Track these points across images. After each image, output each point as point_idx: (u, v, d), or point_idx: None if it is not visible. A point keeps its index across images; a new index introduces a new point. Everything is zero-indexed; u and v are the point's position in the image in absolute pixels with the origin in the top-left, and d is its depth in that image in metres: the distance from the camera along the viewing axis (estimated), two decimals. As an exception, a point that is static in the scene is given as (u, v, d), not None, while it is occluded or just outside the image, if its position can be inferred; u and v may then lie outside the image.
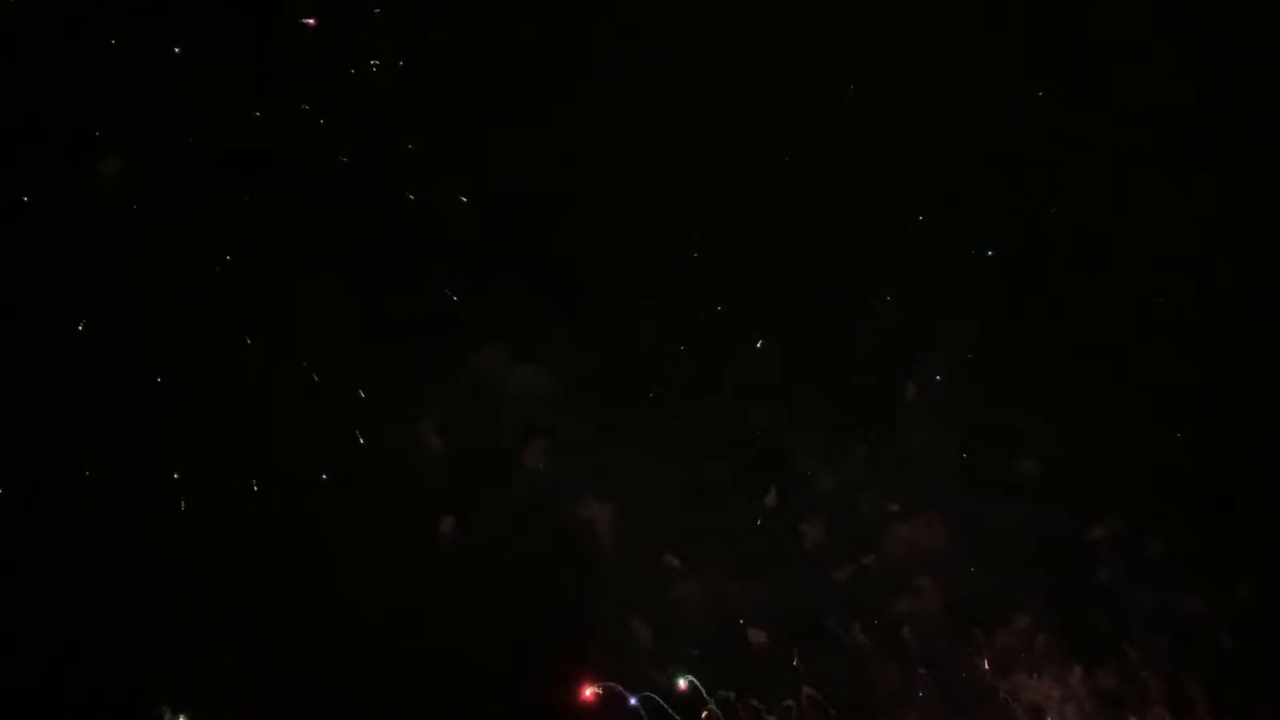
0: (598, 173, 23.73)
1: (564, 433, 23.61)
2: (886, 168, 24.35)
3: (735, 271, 24.27)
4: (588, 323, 23.55)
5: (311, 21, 21.88)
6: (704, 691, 22.86)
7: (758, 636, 23.59)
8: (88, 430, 21.17)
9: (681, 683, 22.82)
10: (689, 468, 24.01)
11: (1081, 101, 24.57)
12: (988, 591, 23.84)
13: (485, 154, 23.70)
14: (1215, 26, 23.80)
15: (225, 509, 21.68)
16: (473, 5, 23.70)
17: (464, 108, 23.55)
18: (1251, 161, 23.94)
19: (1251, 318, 23.88)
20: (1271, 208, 23.92)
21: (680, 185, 24.13)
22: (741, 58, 24.24)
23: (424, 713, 21.99)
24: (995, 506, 23.99)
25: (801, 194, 24.41)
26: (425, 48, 23.36)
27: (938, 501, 24.03)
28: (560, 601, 23.08)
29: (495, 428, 23.37)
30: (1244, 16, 23.49)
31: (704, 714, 22.72)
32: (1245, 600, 23.65)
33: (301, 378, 22.08)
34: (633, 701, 22.51)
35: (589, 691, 22.49)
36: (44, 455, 20.80)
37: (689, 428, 24.12)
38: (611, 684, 22.54)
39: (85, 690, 20.54)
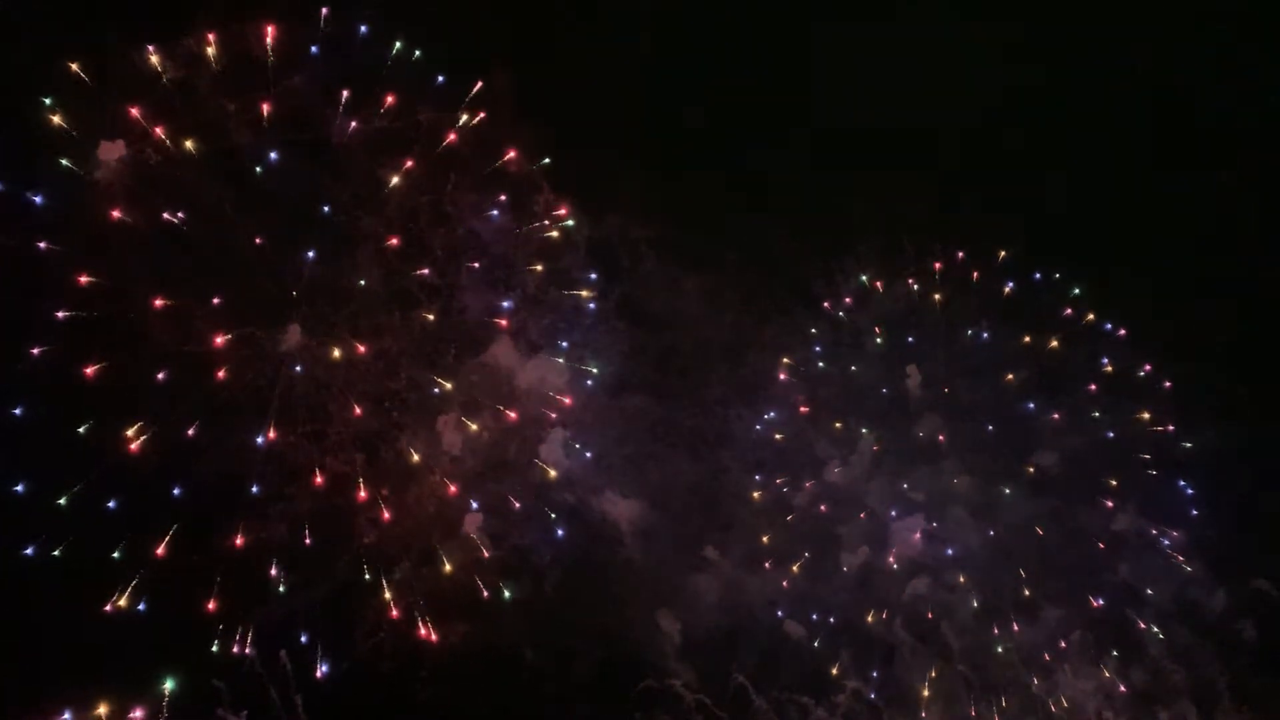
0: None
1: (594, 428, 23.44)
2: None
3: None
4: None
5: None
6: (751, 690, 22.69)
7: (798, 631, 23.60)
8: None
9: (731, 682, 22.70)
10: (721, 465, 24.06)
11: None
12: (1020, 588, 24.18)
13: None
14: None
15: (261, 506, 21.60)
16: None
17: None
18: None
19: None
20: None
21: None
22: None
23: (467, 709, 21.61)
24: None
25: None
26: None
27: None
28: (600, 599, 22.72)
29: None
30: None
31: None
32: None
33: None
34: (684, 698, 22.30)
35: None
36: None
37: (722, 425, 24.20)
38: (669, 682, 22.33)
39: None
